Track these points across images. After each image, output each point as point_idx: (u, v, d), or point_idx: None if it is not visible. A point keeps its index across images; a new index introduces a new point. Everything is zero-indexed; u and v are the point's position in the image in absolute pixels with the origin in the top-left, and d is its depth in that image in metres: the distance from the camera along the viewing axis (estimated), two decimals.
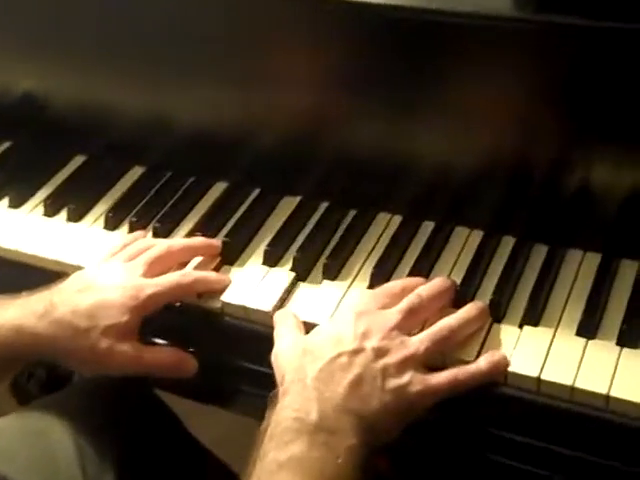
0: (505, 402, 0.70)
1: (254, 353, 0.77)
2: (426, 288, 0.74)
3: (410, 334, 0.71)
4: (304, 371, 0.67)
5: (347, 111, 0.84)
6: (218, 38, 0.85)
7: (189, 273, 0.81)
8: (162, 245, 0.82)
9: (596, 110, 0.75)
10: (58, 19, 0.91)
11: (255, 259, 0.83)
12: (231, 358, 0.79)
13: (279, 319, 0.76)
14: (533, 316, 0.74)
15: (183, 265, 0.82)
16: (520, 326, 0.74)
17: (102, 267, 0.79)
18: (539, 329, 0.73)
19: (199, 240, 0.84)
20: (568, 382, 0.68)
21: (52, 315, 0.74)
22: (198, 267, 0.82)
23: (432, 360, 0.70)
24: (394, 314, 0.71)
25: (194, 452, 0.93)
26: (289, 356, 0.70)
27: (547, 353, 0.71)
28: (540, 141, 0.79)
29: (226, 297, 0.79)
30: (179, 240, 0.85)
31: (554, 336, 0.72)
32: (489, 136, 0.80)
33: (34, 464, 0.79)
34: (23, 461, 0.79)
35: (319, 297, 0.78)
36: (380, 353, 0.68)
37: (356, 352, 0.68)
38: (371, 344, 0.68)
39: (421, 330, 0.72)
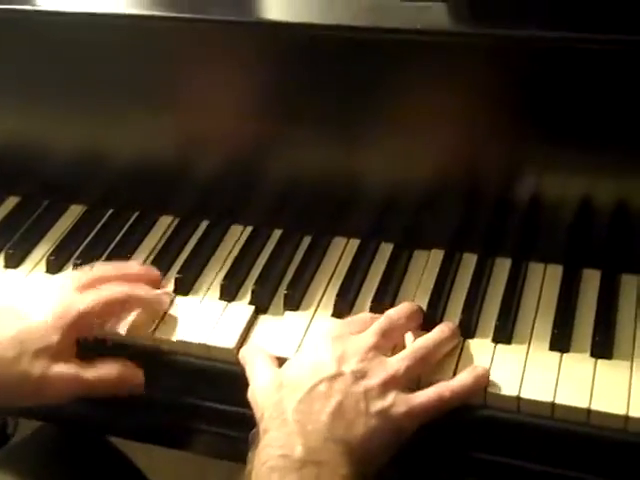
0: (485, 423, 0.68)
1: (214, 391, 0.73)
2: (394, 311, 0.72)
3: (385, 355, 0.69)
4: (283, 405, 0.64)
5: (288, 136, 0.82)
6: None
7: (122, 289, 0.75)
8: (96, 270, 0.77)
9: (543, 121, 0.74)
10: None
11: (212, 293, 0.80)
12: (189, 397, 0.75)
13: (248, 356, 0.72)
14: (504, 333, 0.73)
15: None
16: (493, 341, 0.72)
17: (24, 289, 0.75)
18: (512, 346, 0.72)
19: (136, 267, 0.80)
20: (548, 399, 0.67)
21: None
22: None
23: (409, 383, 0.68)
24: (369, 336, 0.69)
25: None
26: (266, 392, 0.67)
27: (524, 370, 0.69)
28: (490, 155, 0.78)
29: (184, 335, 0.75)
30: (117, 265, 0.79)
31: (528, 352, 0.71)
32: (438, 153, 0.79)
33: None
34: None
35: (282, 329, 0.75)
36: (360, 375, 0.66)
37: (335, 377, 0.65)
38: (350, 367, 0.66)
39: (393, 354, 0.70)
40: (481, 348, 0.72)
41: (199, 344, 0.74)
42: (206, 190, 0.88)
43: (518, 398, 0.67)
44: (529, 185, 0.78)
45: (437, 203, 0.81)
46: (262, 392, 0.67)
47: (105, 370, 0.71)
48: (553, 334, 0.72)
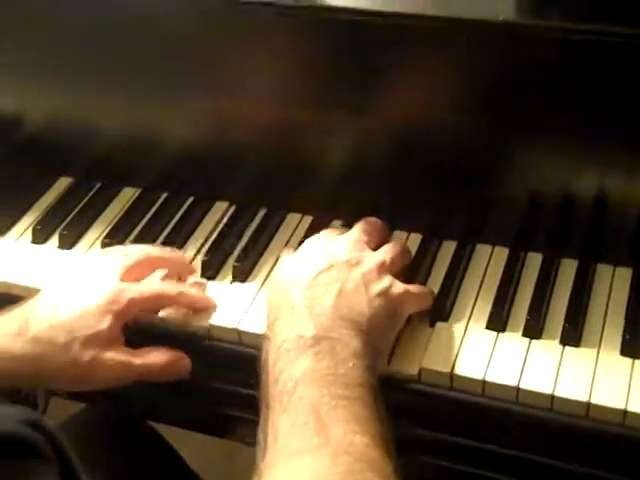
0: (549, 428, 0.67)
1: (246, 377, 0.71)
2: (368, 218, 0.76)
3: (371, 249, 0.72)
4: (289, 297, 0.66)
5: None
6: None
7: (172, 284, 0.76)
8: (139, 250, 0.77)
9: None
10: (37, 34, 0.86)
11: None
12: (221, 384, 0.74)
13: None
14: (573, 336, 0.70)
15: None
16: (561, 343, 0.70)
17: (76, 276, 0.74)
18: (581, 350, 0.70)
19: (178, 254, 0.80)
20: (620, 406, 0.65)
21: (28, 333, 0.69)
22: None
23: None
24: (353, 233, 0.74)
25: None
26: (272, 292, 0.69)
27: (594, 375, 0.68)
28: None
29: (215, 319, 0.74)
30: (158, 248, 0.80)
31: (598, 356, 0.69)
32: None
33: None
34: None
35: None
36: (354, 263, 0.69)
37: (331, 267, 0.68)
38: (342, 257, 0.69)
39: None
40: (549, 350, 0.70)
41: (230, 329, 0.74)
42: (263, 177, 0.87)
43: (588, 404, 0.66)
44: (595, 184, 0.75)
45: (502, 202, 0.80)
46: (270, 294, 0.69)
47: (153, 357, 0.71)
48: (624, 338, 0.70)
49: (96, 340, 0.69)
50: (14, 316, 0.71)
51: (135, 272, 0.75)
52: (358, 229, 0.74)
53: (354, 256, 0.69)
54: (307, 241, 0.74)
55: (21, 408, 0.74)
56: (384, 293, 0.67)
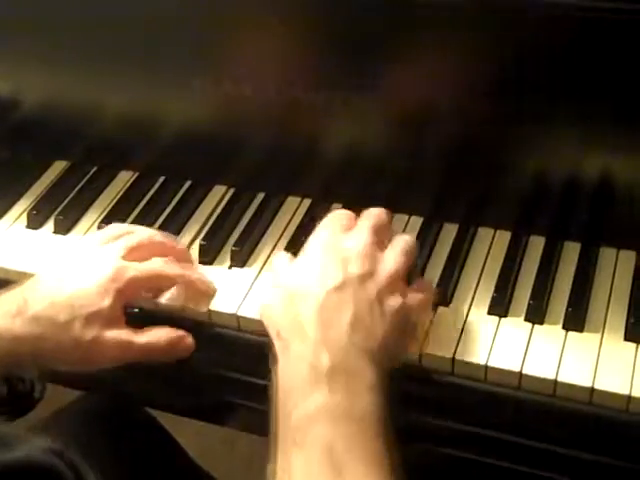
0: (554, 413, 0.66)
1: (245, 363, 0.72)
2: (375, 209, 0.70)
3: (382, 250, 0.68)
4: (299, 319, 0.63)
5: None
6: None
7: (174, 265, 0.74)
8: (144, 232, 0.75)
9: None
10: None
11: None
12: (222, 371, 0.73)
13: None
14: (577, 321, 0.69)
15: None
16: (564, 328, 0.69)
17: (76, 251, 0.73)
18: (584, 335, 0.69)
19: (181, 248, 0.78)
20: (624, 391, 0.64)
21: (27, 313, 0.68)
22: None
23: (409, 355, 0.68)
24: (363, 234, 0.67)
25: (194, 473, 0.88)
26: (278, 308, 0.65)
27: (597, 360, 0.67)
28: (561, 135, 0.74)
29: (214, 305, 0.73)
30: (163, 233, 0.77)
31: (601, 341, 0.68)
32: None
33: None
34: None
35: None
36: (366, 277, 0.64)
37: (344, 285, 0.64)
38: (355, 270, 0.64)
39: None
40: (551, 334, 0.69)
41: (229, 314, 0.73)
42: (262, 160, 0.85)
43: (592, 390, 0.65)
44: (598, 166, 0.74)
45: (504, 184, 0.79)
46: (275, 309, 0.65)
47: (155, 335, 0.70)
48: (628, 323, 0.69)
49: (97, 318, 0.68)
50: (12, 296, 0.70)
51: (136, 253, 0.73)
52: (368, 228, 0.68)
53: (367, 269, 0.65)
54: (312, 241, 0.69)
55: (47, 439, 0.76)
56: (398, 310, 0.64)
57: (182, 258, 0.77)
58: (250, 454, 1.22)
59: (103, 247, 0.73)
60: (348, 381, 0.59)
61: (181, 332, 0.70)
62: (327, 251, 0.66)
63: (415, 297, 0.66)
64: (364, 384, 0.60)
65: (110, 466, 0.77)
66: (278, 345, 0.63)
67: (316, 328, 0.62)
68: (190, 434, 0.94)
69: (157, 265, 0.73)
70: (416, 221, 0.81)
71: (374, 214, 0.70)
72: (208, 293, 0.74)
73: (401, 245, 0.68)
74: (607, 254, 0.76)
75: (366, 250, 0.66)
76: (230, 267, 0.78)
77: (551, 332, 0.69)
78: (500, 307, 0.71)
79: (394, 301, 0.64)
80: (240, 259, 0.78)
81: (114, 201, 0.87)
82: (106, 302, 0.68)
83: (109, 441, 0.80)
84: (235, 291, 0.75)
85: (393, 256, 0.67)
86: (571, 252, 0.76)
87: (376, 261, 0.66)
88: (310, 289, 0.64)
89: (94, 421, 0.82)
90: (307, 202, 0.84)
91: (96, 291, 0.68)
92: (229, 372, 0.74)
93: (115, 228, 0.76)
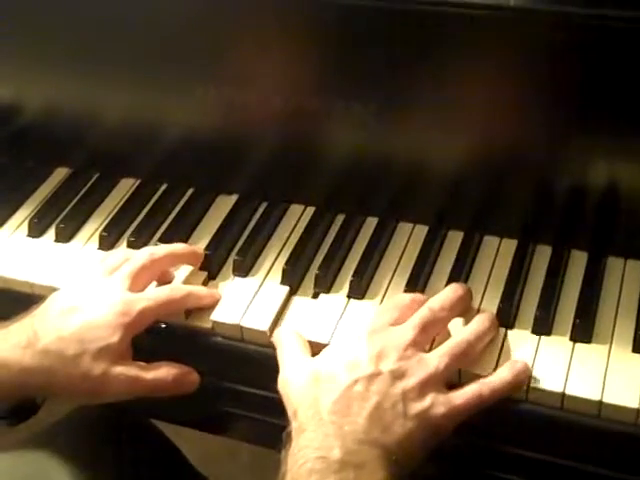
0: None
1: (246, 375, 0.71)
2: (438, 301, 0.68)
3: (424, 350, 0.65)
4: (318, 404, 0.61)
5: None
6: None
7: (180, 287, 0.74)
8: (144, 254, 0.74)
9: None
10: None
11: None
12: (222, 381, 0.73)
13: (281, 339, 0.69)
14: (585, 332, 0.68)
15: (168, 281, 0.75)
16: (572, 340, 0.68)
17: (83, 284, 0.72)
18: (592, 346, 0.68)
19: (182, 246, 0.77)
20: (633, 405, 0.63)
21: (37, 345, 0.67)
22: (186, 282, 0.75)
23: (449, 379, 0.64)
24: (408, 330, 0.65)
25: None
26: (300, 386, 0.64)
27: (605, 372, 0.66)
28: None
29: (217, 316, 0.72)
30: (160, 247, 0.77)
31: (609, 353, 0.67)
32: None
33: None
34: None
35: (316, 312, 0.73)
36: (398, 375, 0.62)
37: (372, 377, 0.62)
38: (387, 366, 0.63)
39: (431, 346, 0.67)
40: (558, 346, 0.68)
41: (232, 325, 0.72)
42: (266, 169, 0.84)
43: (600, 403, 0.63)
44: (606, 174, 0.73)
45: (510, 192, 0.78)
46: (296, 387, 0.64)
47: (162, 372, 0.69)
48: (636, 335, 0.67)
49: (106, 353, 0.67)
50: (22, 327, 0.69)
51: (142, 279, 0.72)
52: (415, 326, 0.65)
53: (400, 366, 0.63)
54: (359, 326, 0.67)
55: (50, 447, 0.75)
56: (423, 414, 0.61)
57: (188, 259, 0.76)
58: (252, 462, 1.21)
59: (108, 278, 0.72)
60: (358, 475, 0.58)
61: (187, 368, 0.70)
62: (367, 340, 0.64)
63: (447, 405, 0.62)
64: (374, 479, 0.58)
65: (112, 474, 0.77)
66: (294, 426, 0.62)
67: (333, 416, 0.60)
68: (192, 441, 0.94)
69: (164, 292, 0.72)
70: (421, 230, 0.80)
71: (431, 308, 0.67)
72: (215, 305, 0.73)
73: (452, 348, 0.65)
74: (614, 264, 0.75)
75: (405, 348, 0.64)
76: (233, 277, 0.77)
77: (559, 343, 0.68)
78: (506, 318, 0.70)
79: (420, 405, 0.61)
80: (243, 269, 0.77)
81: (116, 209, 0.86)
82: (115, 337, 0.67)
83: (111, 448, 0.80)
84: (238, 301, 0.74)
85: (436, 359, 0.64)
86: (578, 261, 0.75)
87: (413, 362, 0.63)
88: (336, 375, 0.63)
89: (96, 429, 0.82)
90: (310, 210, 0.83)
91: (105, 326, 0.68)
92: (231, 383, 0.73)
93: (114, 257, 0.75)
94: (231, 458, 1.22)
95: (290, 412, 0.63)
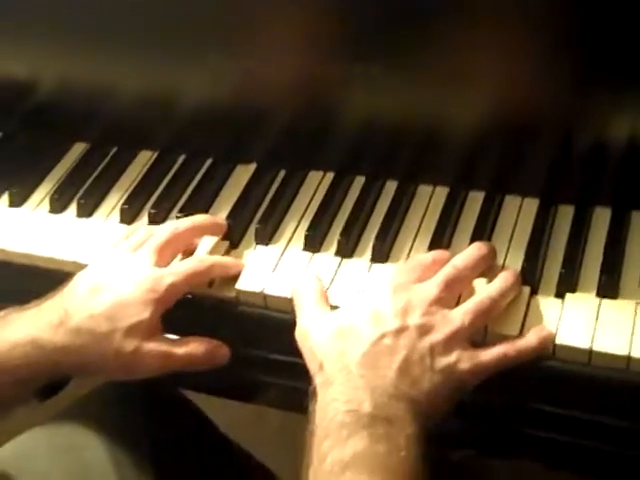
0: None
1: (273, 342, 0.71)
2: (461, 259, 0.68)
3: (449, 308, 0.65)
4: (346, 357, 0.62)
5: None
6: None
7: (205, 258, 0.74)
8: (167, 229, 0.74)
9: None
10: None
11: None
12: (248, 349, 0.73)
13: (299, 286, 0.69)
14: (610, 287, 0.68)
15: (191, 252, 0.75)
16: (598, 296, 0.68)
17: (109, 262, 0.72)
18: (619, 301, 0.67)
19: (204, 218, 0.77)
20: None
21: (68, 324, 0.68)
22: (209, 252, 0.76)
23: (474, 336, 0.65)
24: (432, 287, 0.65)
25: (227, 449, 0.87)
26: (324, 339, 0.64)
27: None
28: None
29: (241, 284, 0.72)
30: (183, 220, 0.77)
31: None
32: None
33: None
34: None
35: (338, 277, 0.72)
36: (424, 330, 0.63)
37: (399, 331, 0.62)
38: (413, 321, 0.63)
39: (457, 304, 0.66)
40: (584, 303, 0.67)
41: (256, 293, 0.72)
42: (283, 136, 0.84)
43: (628, 357, 0.63)
44: (627, 126, 0.72)
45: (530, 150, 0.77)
46: (320, 340, 0.64)
47: (194, 347, 0.69)
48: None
49: (137, 330, 0.67)
50: (54, 305, 0.69)
51: (167, 253, 0.72)
52: (439, 283, 0.66)
53: (426, 321, 0.63)
54: (383, 280, 0.67)
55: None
56: (449, 369, 0.62)
57: (212, 230, 0.77)
58: (281, 426, 1.22)
59: (133, 255, 0.72)
60: (388, 431, 0.58)
61: (217, 342, 0.70)
62: (392, 295, 0.65)
63: (472, 360, 0.63)
64: (404, 435, 0.58)
65: (144, 443, 0.78)
66: (320, 379, 0.62)
67: (362, 369, 0.61)
68: (219, 407, 0.94)
69: (190, 264, 0.72)
70: (441, 191, 0.80)
71: (455, 266, 0.67)
72: (238, 275, 0.73)
73: (476, 305, 0.65)
74: (639, 218, 0.74)
75: (430, 304, 0.64)
76: (255, 245, 0.77)
77: (585, 300, 0.68)
78: (531, 277, 0.69)
79: (447, 359, 0.62)
80: (265, 237, 0.77)
81: (135, 182, 0.86)
82: (146, 314, 0.68)
83: (142, 418, 0.81)
84: (262, 269, 0.74)
85: (460, 315, 0.64)
86: (601, 217, 0.75)
87: (438, 317, 0.64)
88: (362, 329, 0.63)
89: (126, 399, 0.82)
90: (330, 176, 0.83)
91: (135, 303, 0.68)
92: (256, 350, 0.73)
93: (138, 234, 0.75)
94: (259, 422, 1.23)
95: (315, 365, 0.63)
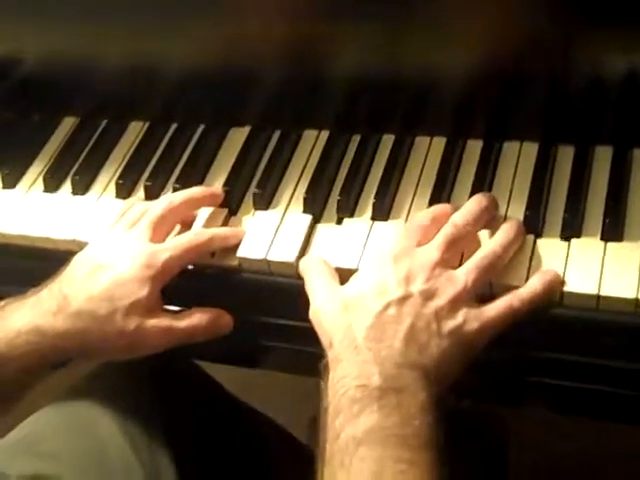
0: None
1: (276, 307, 0.71)
2: (460, 216, 0.67)
3: (454, 267, 0.65)
4: (352, 331, 0.61)
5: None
6: None
7: (202, 231, 0.73)
8: (162, 203, 0.73)
9: None
10: None
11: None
12: (254, 316, 0.73)
13: (307, 268, 0.69)
14: (615, 231, 0.67)
15: (189, 223, 0.75)
16: (602, 240, 0.67)
17: (105, 241, 0.71)
18: (624, 244, 0.66)
19: (199, 189, 0.76)
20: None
21: (68, 309, 0.68)
22: (207, 223, 0.75)
23: (480, 291, 0.64)
24: (433, 250, 0.65)
25: (239, 412, 0.88)
26: (332, 316, 0.63)
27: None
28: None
29: (242, 252, 0.72)
30: (178, 194, 0.75)
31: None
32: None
33: (85, 460, 0.74)
34: (73, 459, 0.74)
35: (340, 238, 0.72)
36: (428, 295, 0.62)
37: (404, 299, 0.62)
38: (417, 287, 0.62)
39: (461, 261, 0.66)
40: (589, 247, 0.67)
41: (259, 260, 0.71)
42: (275, 97, 0.83)
43: (636, 300, 0.63)
44: (624, 61, 0.70)
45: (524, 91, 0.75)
46: (328, 317, 0.64)
47: (196, 318, 0.69)
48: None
49: (137, 308, 0.67)
50: (52, 292, 0.69)
51: (163, 228, 0.72)
52: (440, 245, 0.65)
53: (429, 286, 0.62)
54: (382, 249, 0.66)
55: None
56: (456, 332, 0.61)
57: (209, 201, 0.76)
58: (292, 385, 1.23)
59: (128, 233, 0.71)
60: (399, 401, 0.58)
61: (219, 311, 0.70)
62: (393, 263, 0.64)
63: (479, 320, 0.62)
64: (416, 404, 0.58)
65: (154, 414, 0.79)
66: (331, 355, 0.62)
67: (369, 342, 0.60)
68: (228, 368, 0.95)
69: (187, 238, 0.71)
70: (439, 142, 0.78)
71: (454, 224, 0.66)
72: (239, 244, 0.73)
73: (479, 261, 0.64)
74: None
75: (433, 268, 0.63)
76: (255, 211, 0.76)
77: (589, 245, 0.67)
78: (534, 225, 0.69)
79: (453, 322, 0.62)
80: (264, 202, 0.76)
81: (129, 154, 0.85)
82: (144, 291, 0.67)
83: (151, 390, 0.81)
84: (262, 235, 0.73)
85: (463, 275, 0.63)
86: (603, 157, 0.73)
87: (442, 280, 0.63)
88: (366, 300, 0.63)
89: (135, 373, 0.83)
90: (325, 134, 0.81)
91: (132, 281, 0.68)
92: (262, 316, 0.73)
93: (133, 211, 0.74)
94: (270, 381, 1.23)
95: (325, 342, 0.63)
